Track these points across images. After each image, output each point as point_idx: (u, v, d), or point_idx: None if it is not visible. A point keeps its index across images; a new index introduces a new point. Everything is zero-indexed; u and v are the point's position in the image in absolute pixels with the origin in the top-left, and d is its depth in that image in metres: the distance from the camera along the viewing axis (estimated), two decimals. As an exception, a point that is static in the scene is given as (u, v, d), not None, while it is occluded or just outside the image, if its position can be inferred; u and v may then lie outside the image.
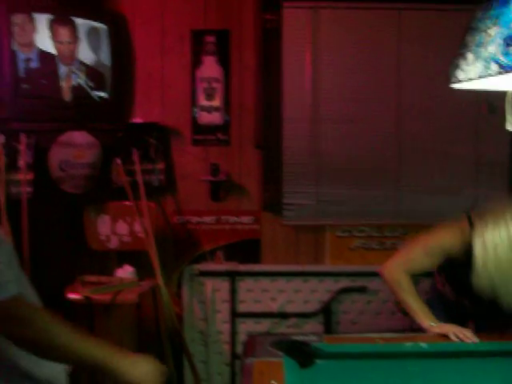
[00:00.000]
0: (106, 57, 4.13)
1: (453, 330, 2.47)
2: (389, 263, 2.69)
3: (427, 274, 2.86)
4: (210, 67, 4.33)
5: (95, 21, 4.08)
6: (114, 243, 4.24)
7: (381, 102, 4.33)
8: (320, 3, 4.26)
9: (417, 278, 2.78)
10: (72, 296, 3.86)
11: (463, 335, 2.43)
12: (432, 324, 2.54)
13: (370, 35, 4.31)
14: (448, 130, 4.22)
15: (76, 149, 4.03)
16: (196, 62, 4.32)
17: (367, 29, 4.30)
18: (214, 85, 4.33)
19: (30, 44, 3.90)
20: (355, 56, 4.31)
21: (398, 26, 4.30)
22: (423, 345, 2.37)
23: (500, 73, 1.40)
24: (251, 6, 4.30)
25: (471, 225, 2.49)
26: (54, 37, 3.93)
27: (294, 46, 4.28)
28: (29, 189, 3.92)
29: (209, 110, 4.33)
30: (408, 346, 2.37)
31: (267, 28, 4.29)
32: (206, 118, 4.34)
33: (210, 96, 4.32)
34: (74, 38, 3.99)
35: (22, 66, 3.86)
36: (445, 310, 2.77)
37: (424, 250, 2.66)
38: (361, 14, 4.29)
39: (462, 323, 2.60)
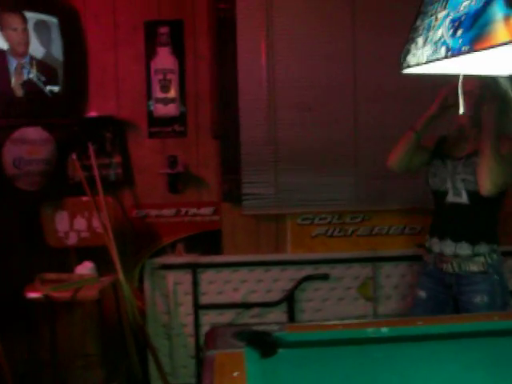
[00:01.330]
0: (57, 50, 4.05)
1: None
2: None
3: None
4: (164, 58, 4.28)
5: (45, 14, 4.00)
6: (72, 239, 4.18)
7: (337, 89, 4.33)
8: (273, -9, 4.24)
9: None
10: (32, 294, 3.81)
11: None
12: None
13: (325, 22, 4.30)
14: (404, 115, 4.23)
15: (30, 145, 3.96)
16: (150, 54, 4.28)
17: (321, 15, 4.29)
18: (169, 76, 4.29)
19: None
20: (310, 43, 4.30)
21: (351, 12, 4.29)
22: (384, 330, 2.37)
23: (447, 56, 1.40)
24: (204, -5, 4.27)
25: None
26: (5, 25, 3.83)
27: (249, 34, 4.26)
28: (-18, 187, 3.84)
29: (164, 101, 4.29)
30: (369, 331, 2.37)
31: (221, 17, 4.26)
32: (161, 110, 4.30)
33: (165, 87, 4.28)
34: (26, 26, 3.90)
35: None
36: (428, 282, 3.36)
37: None
38: (314, 1, 4.28)
39: (440, 286, 3.28)
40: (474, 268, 3.17)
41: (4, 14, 3.87)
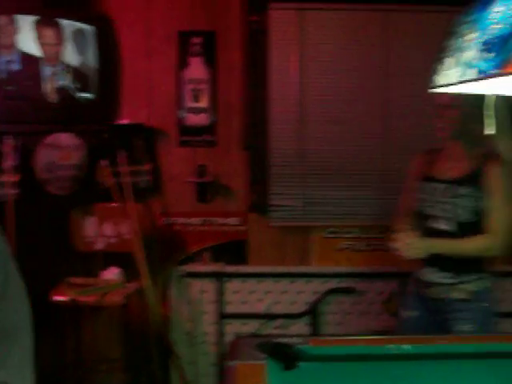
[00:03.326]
0: (91, 58, 4.11)
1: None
2: None
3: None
4: (196, 68, 4.32)
5: (81, 22, 4.06)
6: (100, 245, 4.23)
7: (368, 103, 4.34)
8: (306, 5, 4.26)
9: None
10: (58, 298, 3.85)
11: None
12: None
13: (357, 36, 4.31)
14: (433, 131, 4.21)
15: (62, 150, 4.02)
16: (182, 64, 4.32)
17: (354, 30, 4.30)
18: (201, 86, 4.32)
19: (12, 46, 3.85)
20: (342, 57, 4.31)
21: (384, 28, 4.30)
22: (407, 347, 2.36)
23: (479, 78, 1.41)
24: (237, 7, 4.29)
25: None
26: (39, 38, 3.89)
27: (281, 47, 4.28)
28: (15, 190, 3.89)
29: (195, 111, 4.32)
30: (392, 347, 2.37)
31: (253, 29, 4.29)
32: (192, 120, 4.33)
33: (196, 97, 4.32)
34: (60, 40, 3.96)
35: (3, 67, 3.82)
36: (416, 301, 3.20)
37: None
38: (347, 16, 4.29)
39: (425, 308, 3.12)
40: (455, 295, 3.00)
41: (39, 27, 3.92)
